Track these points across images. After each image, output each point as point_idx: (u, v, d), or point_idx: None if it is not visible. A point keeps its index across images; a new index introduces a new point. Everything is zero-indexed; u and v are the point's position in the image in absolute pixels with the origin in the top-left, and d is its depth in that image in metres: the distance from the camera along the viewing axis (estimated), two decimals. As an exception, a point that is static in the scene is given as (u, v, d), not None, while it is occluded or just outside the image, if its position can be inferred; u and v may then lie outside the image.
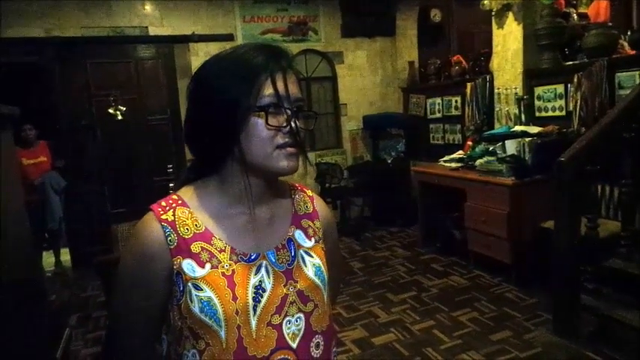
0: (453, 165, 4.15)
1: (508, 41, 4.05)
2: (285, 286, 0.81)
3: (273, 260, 0.82)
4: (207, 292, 0.75)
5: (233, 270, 0.78)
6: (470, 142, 4.33)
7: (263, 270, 0.80)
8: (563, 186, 2.51)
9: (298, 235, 0.88)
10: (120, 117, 4.77)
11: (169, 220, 0.78)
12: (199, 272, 0.76)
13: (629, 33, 3.81)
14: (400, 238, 4.99)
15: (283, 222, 0.87)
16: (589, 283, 2.56)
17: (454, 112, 5.00)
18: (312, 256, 0.87)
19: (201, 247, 0.78)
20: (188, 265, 0.76)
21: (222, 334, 0.75)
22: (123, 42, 4.80)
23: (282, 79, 0.76)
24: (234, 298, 0.76)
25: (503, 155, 3.62)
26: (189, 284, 0.75)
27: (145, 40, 4.85)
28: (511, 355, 2.58)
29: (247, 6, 5.13)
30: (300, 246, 0.86)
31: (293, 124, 0.76)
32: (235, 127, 0.75)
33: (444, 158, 4.39)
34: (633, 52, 3.44)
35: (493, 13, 4.14)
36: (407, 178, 5.21)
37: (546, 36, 3.80)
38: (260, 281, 0.79)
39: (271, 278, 0.80)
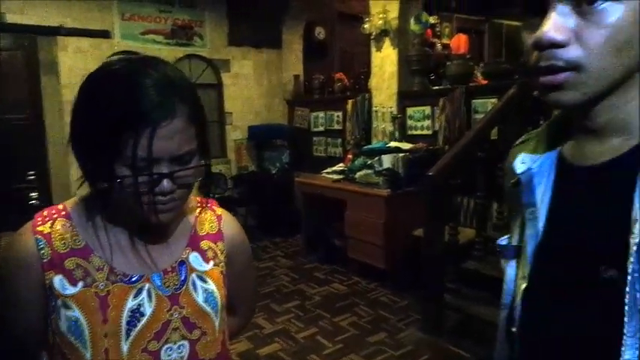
0: (335, 177, 4.34)
1: (385, 64, 4.40)
2: (168, 311, 0.76)
3: (159, 284, 0.77)
4: (76, 312, 0.71)
5: (108, 291, 0.73)
6: (350, 156, 4.59)
7: (144, 293, 0.75)
8: (430, 197, 2.80)
9: (193, 257, 0.82)
10: (-36, 114, 4.10)
11: (45, 232, 0.73)
12: (70, 290, 0.71)
13: (481, 65, 4.42)
14: (284, 247, 5.06)
15: (178, 243, 0.82)
16: (451, 284, 2.88)
17: (336, 127, 5.25)
18: (205, 281, 0.82)
19: (77, 263, 0.73)
20: (59, 282, 0.71)
21: (88, 356, 0.71)
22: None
23: (148, 141, 0.65)
24: (105, 321, 0.71)
25: (380, 168, 3.90)
26: (59, 301, 0.71)
27: (1, 29, 4.25)
28: (386, 355, 2.78)
29: (126, 2, 4.81)
30: (193, 269, 0.81)
31: (158, 189, 0.69)
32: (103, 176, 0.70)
33: (326, 170, 4.57)
34: (485, 81, 3.99)
35: (372, 37, 4.46)
36: (291, 188, 5.32)
37: (416, 62, 4.23)
38: (139, 305, 0.74)
39: (153, 302, 0.76)
